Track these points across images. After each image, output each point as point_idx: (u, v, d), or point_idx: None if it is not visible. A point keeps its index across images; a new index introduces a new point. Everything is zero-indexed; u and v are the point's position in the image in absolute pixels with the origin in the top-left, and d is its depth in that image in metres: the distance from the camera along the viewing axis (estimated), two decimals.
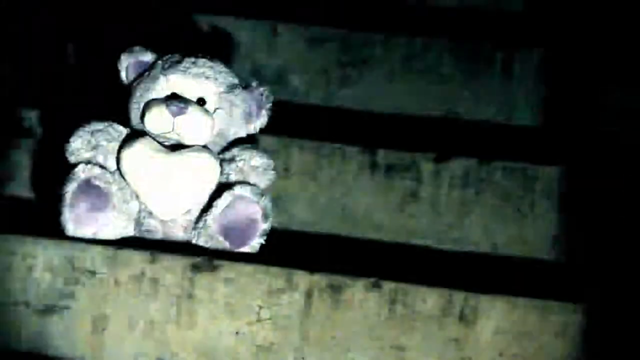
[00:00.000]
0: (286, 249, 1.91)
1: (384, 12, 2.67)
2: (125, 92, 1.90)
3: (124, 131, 1.87)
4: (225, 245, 1.81)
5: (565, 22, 2.55)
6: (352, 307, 1.69)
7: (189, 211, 1.84)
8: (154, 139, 1.84)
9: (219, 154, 1.88)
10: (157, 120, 1.81)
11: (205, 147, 1.85)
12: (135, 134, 1.85)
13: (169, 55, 1.90)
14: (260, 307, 1.70)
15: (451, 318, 1.68)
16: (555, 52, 2.41)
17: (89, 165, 1.81)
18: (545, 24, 2.58)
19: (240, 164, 1.86)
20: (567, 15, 2.56)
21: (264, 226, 1.82)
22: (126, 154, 1.82)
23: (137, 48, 1.91)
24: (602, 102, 2.33)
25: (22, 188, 2.15)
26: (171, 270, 1.72)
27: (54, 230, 1.78)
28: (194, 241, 1.83)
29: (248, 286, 1.71)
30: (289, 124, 2.14)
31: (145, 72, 1.89)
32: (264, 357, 1.70)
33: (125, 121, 1.89)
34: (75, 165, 1.81)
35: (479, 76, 2.42)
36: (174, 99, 1.82)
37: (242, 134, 1.93)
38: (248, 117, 1.92)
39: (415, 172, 2.07)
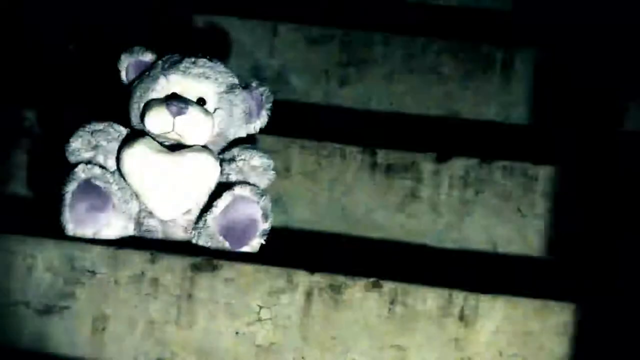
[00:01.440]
0: (286, 249, 1.91)
1: (384, 11, 2.66)
2: (125, 92, 1.90)
3: (124, 131, 1.87)
4: (225, 245, 1.81)
5: (564, 21, 2.55)
6: (352, 307, 1.69)
7: (188, 211, 1.84)
8: (154, 139, 1.84)
9: (219, 154, 1.88)
10: (157, 120, 1.81)
11: (205, 147, 1.85)
12: (135, 134, 1.85)
13: (169, 55, 1.90)
14: (260, 307, 1.70)
15: (451, 318, 1.68)
16: (554, 51, 2.41)
17: (89, 165, 1.81)
18: (543, 24, 2.58)
19: (240, 164, 1.86)
20: (565, 14, 2.56)
21: (264, 226, 1.82)
22: (126, 154, 1.82)
23: (137, 48, 1.91)
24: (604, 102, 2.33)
25: (22, 188, 2.15)
26: (171, 270, 1.72)
27: (54, 230, 1.78)
28: (194, 241, 1.83)
29: (248, 286, 1.71)
30: (289, 124, 2.14)
31: (145, 72, 1.89)
32: (264, 357, 1.70)
33: (125, 121, 1.89)
34: (75, 165, 1.81)
35: (479, 76, 2.41)
36: (174, 99, 1.82)
37: (242, 134, 1.93)
38: (248, 117, 1.92)
39: (416, 172, 2.07)
